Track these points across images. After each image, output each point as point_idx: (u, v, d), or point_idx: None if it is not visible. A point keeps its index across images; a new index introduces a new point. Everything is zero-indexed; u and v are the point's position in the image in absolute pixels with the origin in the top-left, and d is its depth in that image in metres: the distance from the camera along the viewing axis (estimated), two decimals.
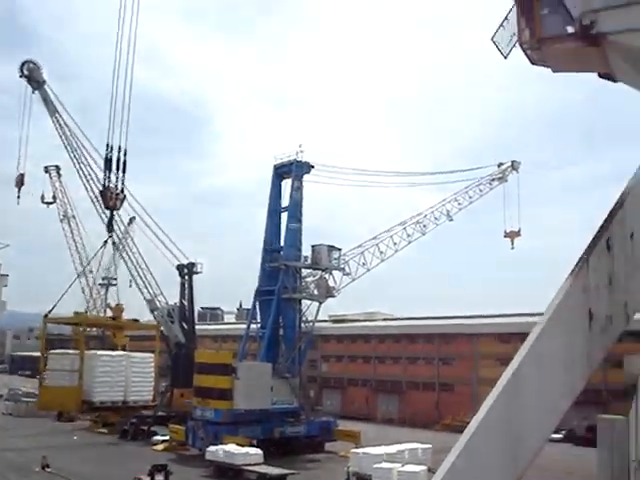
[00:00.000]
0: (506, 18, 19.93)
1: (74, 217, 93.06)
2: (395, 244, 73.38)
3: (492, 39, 20.45)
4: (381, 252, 71.98)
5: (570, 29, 17.83)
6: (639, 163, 15.41)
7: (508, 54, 20.34)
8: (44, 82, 76.10)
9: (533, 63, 20.28)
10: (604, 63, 18.24)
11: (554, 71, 20.45)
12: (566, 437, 70.72)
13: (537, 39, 18.96)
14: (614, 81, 19.49)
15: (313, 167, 67.90)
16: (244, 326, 72.90)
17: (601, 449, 13.91)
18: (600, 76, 19.86)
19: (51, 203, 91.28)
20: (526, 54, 20.03)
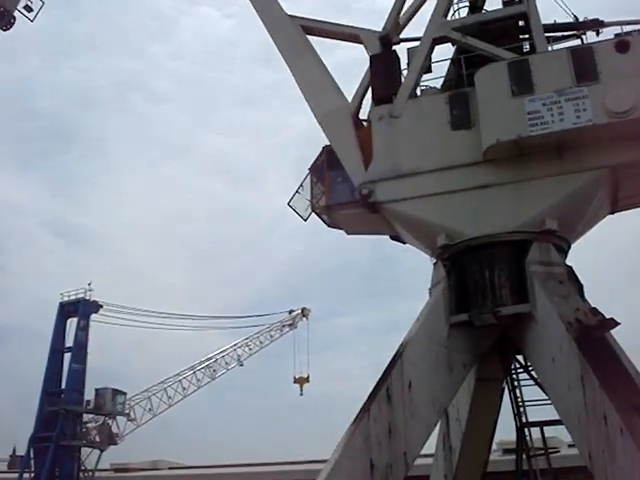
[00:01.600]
0: (301, 185, 21.34)
1: None
2: (184, 389, 71.79)
3: (289, 204, 21.68)
4: (169, 397, 70.01)
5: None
6: (415, 316, 16.45)
7: (308, 217, 21.56)
8: None
9: (329, 226, 21.64)
10: (391, 227, 19.82)
11: (348, 234, 21.90)
12: None
13: (326, 205, 20.46)
14: (403, 243, 21.12)
15: (102, 306, 65.76)
16: (17, 475, 66.92)
17: None
18: (391, 238, 21.47)
19: None
20: (321, 218, 21.40)
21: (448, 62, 20.82)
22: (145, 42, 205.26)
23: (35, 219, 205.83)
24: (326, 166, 20.79)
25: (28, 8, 36.83)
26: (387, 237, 21.68)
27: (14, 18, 37.59)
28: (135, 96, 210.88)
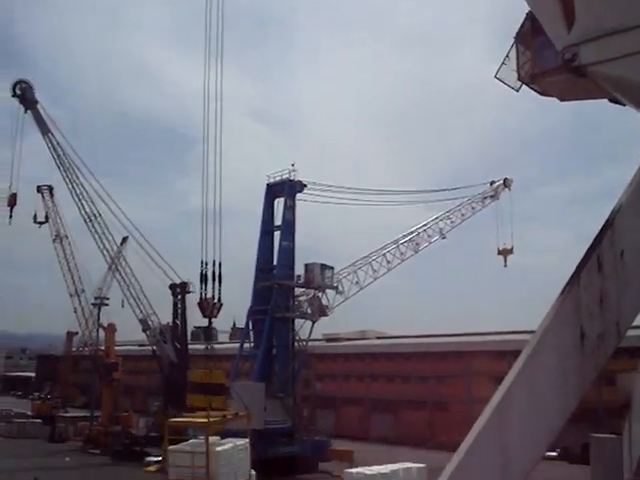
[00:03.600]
0: (507, 56, 20.32)
1: (66, 237, 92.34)
2: (388, 262, 73.40)
3: (495, 76, 20.82)
4: (374, 270, 71.99)
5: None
6: (628, 181, 15.51)
7: (519, 88, 20.64)
8: (36, 102, 76.46)
9: (541, 94, 20.55)
10: (603, 90, 18.41)
11: (560, 100, 20.69)
12: (561, 455, 70.55)
13: (533, 74, 19.35)
14: (623, 104, 19.63)
15: (306, 186, 67.98)
16: (237, 345, 72.65)
17: (595, 468, 13.85)
18: (610, 101, 20.02)
19: (43, 223, 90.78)
20: (531, 87, 20.36)
21: None
22: None
23: (238, 108, 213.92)
24: (531, 33, 19.58)
25: None
26: (596, 101, 20.27)
27: None
28: None
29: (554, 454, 68.66)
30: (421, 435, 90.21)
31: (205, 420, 27.91)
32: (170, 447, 28.22)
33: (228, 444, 28.77)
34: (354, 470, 51.02)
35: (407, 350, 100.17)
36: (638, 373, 20.68)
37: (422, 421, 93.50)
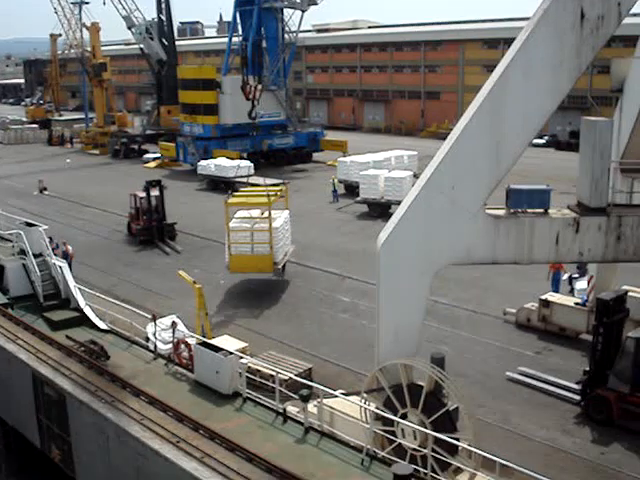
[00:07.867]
0: None
1: None
2: None
3: None
4: None
5: None
6: None
7: None
8: None
9: None
10: None
11: None
12: (549, 142, 72.50)
13: None
14: None
15: None
16: (226, 40, 71.01)
17: (584, 150, 14.12)
18: None
19: None
20: None
21: None
22: None
23: None
24: None
25: None
26: None
27: None
28: None
29: (542, 141, 70.56)
30: (413, 124, 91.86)
31: (266, 200, 28.91)
32: (231, 224, 29.08)
33: (279, 219, 30.07)
34: (347, 158, 52.57)
35: (400, 39, 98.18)
36: (634, 58, 20.47)
37: (414, 111, 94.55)
